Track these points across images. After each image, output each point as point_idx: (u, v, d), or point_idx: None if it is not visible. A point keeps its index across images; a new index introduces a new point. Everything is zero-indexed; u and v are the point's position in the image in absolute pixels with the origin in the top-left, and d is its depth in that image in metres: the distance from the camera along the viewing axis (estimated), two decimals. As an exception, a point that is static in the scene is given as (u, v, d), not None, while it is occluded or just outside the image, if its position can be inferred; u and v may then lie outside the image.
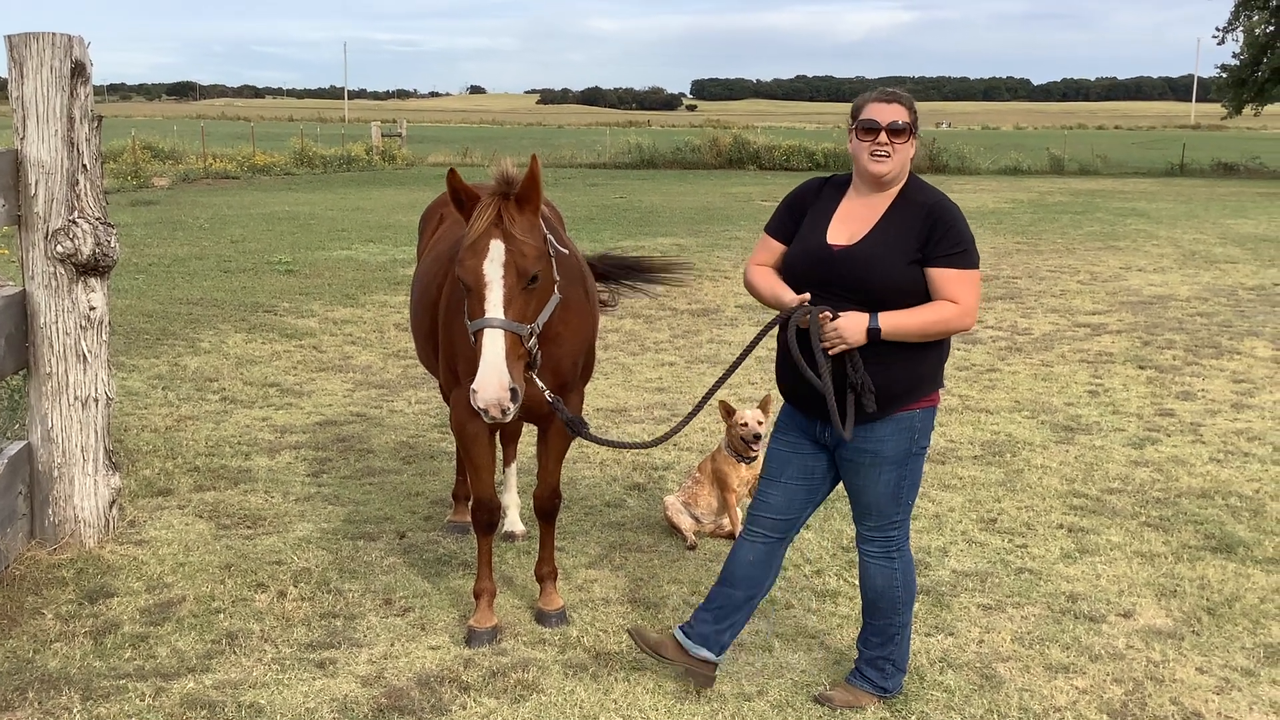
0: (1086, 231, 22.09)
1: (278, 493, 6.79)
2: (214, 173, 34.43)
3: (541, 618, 5.17)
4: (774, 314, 4.30)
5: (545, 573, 5.27)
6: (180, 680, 4.55)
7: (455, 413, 4.96)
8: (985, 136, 76.08)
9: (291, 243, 18.57)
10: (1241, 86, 48.68)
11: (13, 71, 5.52)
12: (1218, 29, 50.28)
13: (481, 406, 4.06)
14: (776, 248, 4.35)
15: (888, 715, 4.41)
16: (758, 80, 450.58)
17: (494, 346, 4.08)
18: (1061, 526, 6.42)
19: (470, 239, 4.22)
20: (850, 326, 4.02)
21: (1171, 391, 9.57)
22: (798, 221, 4.31)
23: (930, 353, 4.19)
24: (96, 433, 5.85)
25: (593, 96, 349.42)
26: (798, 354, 4.08)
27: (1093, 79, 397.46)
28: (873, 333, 4.01)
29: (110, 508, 5.95)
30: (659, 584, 5.59)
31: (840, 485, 4.47)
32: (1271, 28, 47.45)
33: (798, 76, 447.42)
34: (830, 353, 4.06)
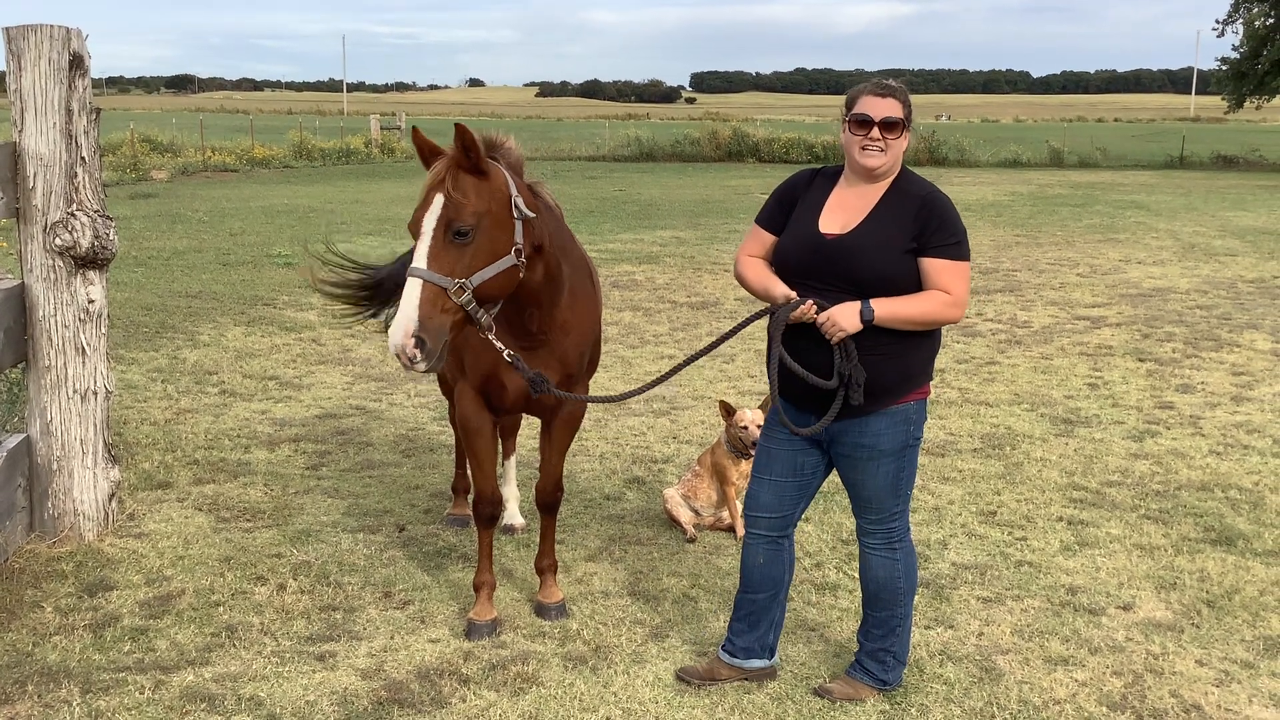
0: (1086, 224, 22.08)
1: (277, 486, 6.79)
2: (213, 166, 34.40)
3: (541, 610, 5.17)
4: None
5: (545, 565, 5.27)
6: (180, 673, 4.55)
7: (461, 405, 4.96)
8: (984, 129, 76.05)
9: (291, 236, 18.55)
10: (1241, 79, 48.63)
11: (11, 64, 5.50)
12: (1217, 21, 50.28)
13: (391, 352, 4.08)
14: (767, 239, 4.34)
15: (887, 708, 4.41)
16: (757, 73, 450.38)
17: (410, 295, 4.08)
18: (1061, 519, 6.42)
19: (421, 193, 4.27)
20: (844, 314, 4.02)
21: (1171, 384, 9.57)
22: (788, 213, 4.29)
23: (923, 345, 4.19)
24: (95, 426, 5.84)
25: (592, 89, 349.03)
26: (784, 351, 4.10)
27: (1092, 71, 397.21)
28: (866, 319, 4.01)
29: (109, 501, 5.95)
30: (659, 577, 5.59)
31: (835, 477, 4.47)
32: (1271, 20, 47.39)
33: (797, 69, 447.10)
34: (832, 341, 4.05)
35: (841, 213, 4.17)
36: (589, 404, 5.29)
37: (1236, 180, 36.19)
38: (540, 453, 5.28)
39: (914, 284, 4.08)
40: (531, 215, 4.38)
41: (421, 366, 4.08)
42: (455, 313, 4.16)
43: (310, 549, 5.82)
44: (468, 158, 4.20)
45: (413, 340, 4.03)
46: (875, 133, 4.07)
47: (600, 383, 9.16)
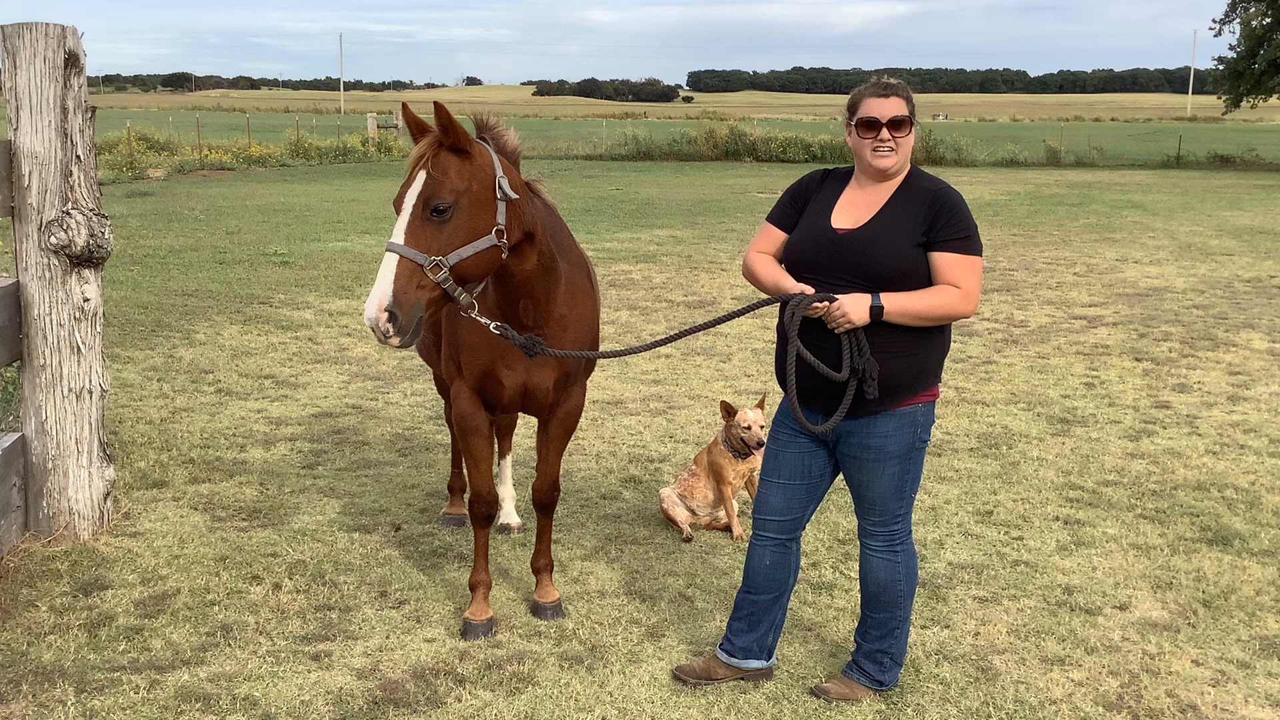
0: (1083, 223, 22.10)
1: (273, 485, 6.78)
2: (209, 164, 34.38)
3: (537, 610, 5.16)
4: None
5: (541, 565, 5.27)
6: (175, 673, 4.54)
7: (458, 403, 4.95)
8: (982, 128, 76.10)
9: (287, 234, 18.54)
10: (1238, 79, 48.68)
11: (6, 62, 5.49)
12: (1214, 21, 50.34)
13: (366, 325, 4.09)
14: (778, 236, 4.34)
15: (883, 708, 4.40)
16: (754, 72, 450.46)
17: (385, 269, 4.08)
18: (1057, 519, 6.42)
19: (405, 169, 4.29)
20: (853, 305, 4.01)
21: (1167, 384, 9.58)
22: (800, 211, 4.30)
23: (934, 344, 4.18)
24: (91, 425, 5.83)
25: (589, 88, 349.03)
26: (800, 344, 4.07)
27: (1089, 71, 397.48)
28: (875, 310, 3.99)
29: (105, 500, 5.94)
30: (655, 576, 5.58)
31: (841, 479, 4.46)
32: (1269, 19, 47.42)
33: (794, 68, 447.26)
34: (837, 331, 4.04)
35: (854, 209, 4.18)
36: (585, 406, 5.27)
37: (1233, 180, 36.22)
38: (537, 452, 5.27)
39: (925, 279, 4.07)
40: (515, 197, 4.37)
41: (395, 341, 4.09)
42: (432, 289, 4.15)
43: (306, 548, 5.81)
44: (446, 135, 4.22)
45: (385, 315, 4.03)
46: (884, 133, 4.07)
47: (596, 381, 9.16)
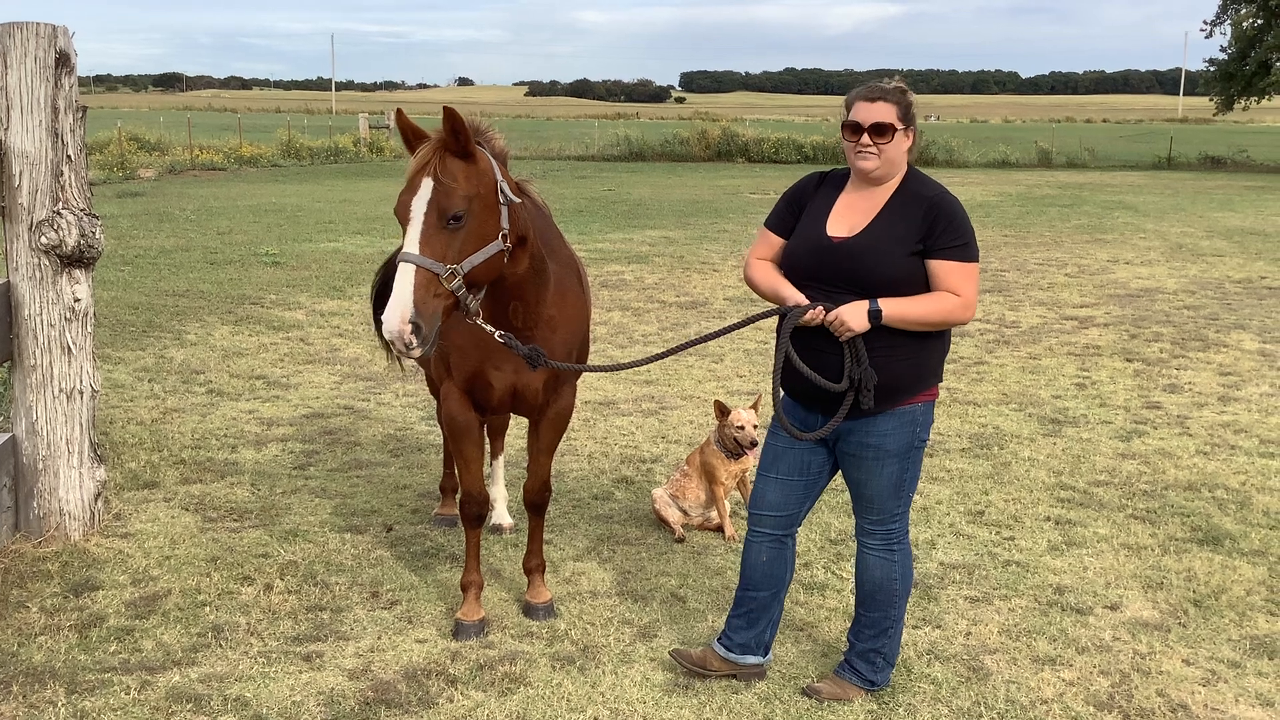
0: (1074, 224, 22.15)
1: (264, 485, 6.76)
2: (200, 164, 34.31)
3: (529, 610, 5.16)
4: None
5: (533, 565, 5.26)
6: (166, 673, 4.53)
7: (447, 404, 4.94)
8: (973, 130, 76.21)
9: (279, 235, 18.51)
10: (1229, 80, 48.81)
11: (-4, 61, 5.48)
12: (1205, 22, 50.46)
13: (386, 338, 4.05)
14: (776, 242, 4.36)
15: (875, 708, 4.41)
16: (746, 73, 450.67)
17: (403, 280, 4.04)
18: (1049, 519, 6.43)
19: (407, 176, 4.23)
20: (852, 313, 4.02)
21: (1158, 384, 9.60)
22: (797, 216, 4.32)
23: (934, 346, 4.19)
24: (81, 425, 5.82)
25: (581, 88, 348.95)
26: (794, 355, 4.11)
27: (1080, 72, 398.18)
28: (874, 315, 4.01)
29: (95, 500, 5.92)
30: (647, 576, 5.58)
31: (839, 478, 4.47)
32: (1260, 21, 47.56)
33: (786, 69, 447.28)
34: (840, 339, 4.06)
35: (849, 215, 4.19)
36: (576, 406, 5.27)
37: (1224, 181, 36.32)
38: (528, 453, 5.26)
39: (921, 286, 4.08)
40: (517, 200, 4.38)
41: (417, 352, 4.06)
42: (447, 298, 4.14)
43: (297, 549, 5.80)
44: (456, 141, 4.19)
45: (409, 326, 4.01)
46: (865, 139, 4.12)
47: (588, 382, 9.15)
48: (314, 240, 17.96)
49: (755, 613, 4.52)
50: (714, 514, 6.23)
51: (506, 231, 4.32)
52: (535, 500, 5.23)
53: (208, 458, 7.23)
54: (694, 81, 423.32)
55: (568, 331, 4.85)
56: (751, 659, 4.55)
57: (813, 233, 4.21)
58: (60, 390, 5.72)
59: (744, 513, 6.42)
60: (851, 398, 4.10)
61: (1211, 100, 51.71)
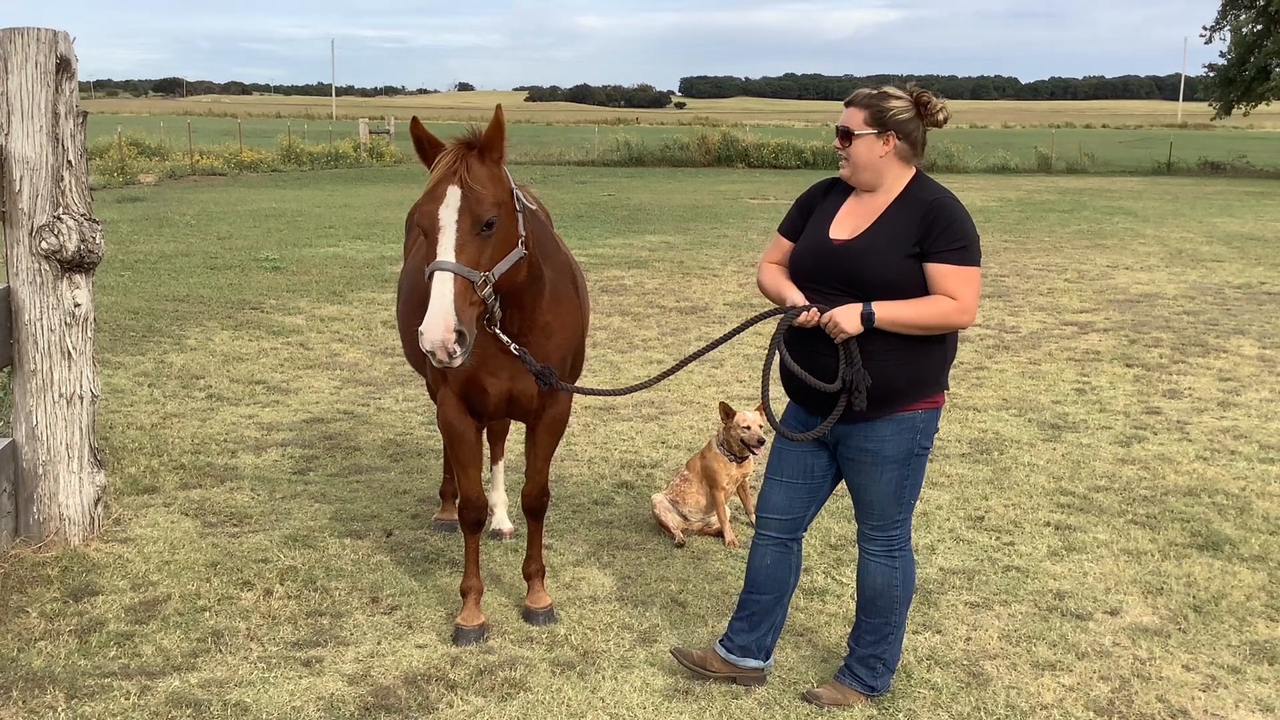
0: (1074, 230, 22.15)
1: (264, 490, 6.76)
2: (201, 169, 34.32)
3: (529, 616, 5.16)
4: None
5: (533, 570, 5.26)
6: (165, 679, 4.53)
7: (443, 410, 4.94)
8: (973, 135, 76.22)
9: (279, 240, 18.52)
10: (1229, 85, 48.81)
11: (-3, 66, 5.48)
12: (1205, 28, 50.42)
13: (427, 348, 4.02)
14: (787, 246, 4.41)
15: (875, 713, 4.41)
16: (746, 78, 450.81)
17: (442, 289, 4.03)
18: (1049, 524, 6.43)
19: (430, 185, 4.21)
20: (844, 315, 4.04)
21: (1158, 390, 9.60)
22: (807, 220, 4.36)
23: (932, 352, 4.18)
24: (81, 430, 5.82)
25: (581, 94, 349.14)
26: (785, 353, 4.16)
27: (1080, 78, 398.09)
28: (867, 318, 4.02)
29: (95, 505, 5.92)
30: (647, 582, 5.58)
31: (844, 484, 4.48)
32: (1259, 26, 47.58)
33: (786, 74, 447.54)
34: (836, 341, 4.07)
35: (852, 219, 4.23)
36: (574, 408, 5.28)
37: (1223, 186, 36.33)
38: (526, 458, 5.27)
39: (919, 289, 4.09)
40: (534, 207, 4.41)
41: (458, 361, 4.06)
42: (479, 305, 4.17)
43: (297, 554, 5.79)
44: (492, 148, 4.20)
45: (454, 335, 4.01)
46: (837, 143, 4.26)
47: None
48: (314, 245, 17.96)
49: (758, 616, 4.52)
50: (714, 519, 6.23)
51: (524, 238, 4.34)
52: (534, 505, 5.23)
53: (207, 463, 7.23)
54: (694, 87, 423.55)
55: (563, 338, 4.85)
56: (752, 662, 4.55)
57: (817, 236, 4.26)
58: (60, 395, 5.72)
59: (744, 519, 6.43)
60: (844, 399, 4.11)
61: (1211, 105, 51.70)
